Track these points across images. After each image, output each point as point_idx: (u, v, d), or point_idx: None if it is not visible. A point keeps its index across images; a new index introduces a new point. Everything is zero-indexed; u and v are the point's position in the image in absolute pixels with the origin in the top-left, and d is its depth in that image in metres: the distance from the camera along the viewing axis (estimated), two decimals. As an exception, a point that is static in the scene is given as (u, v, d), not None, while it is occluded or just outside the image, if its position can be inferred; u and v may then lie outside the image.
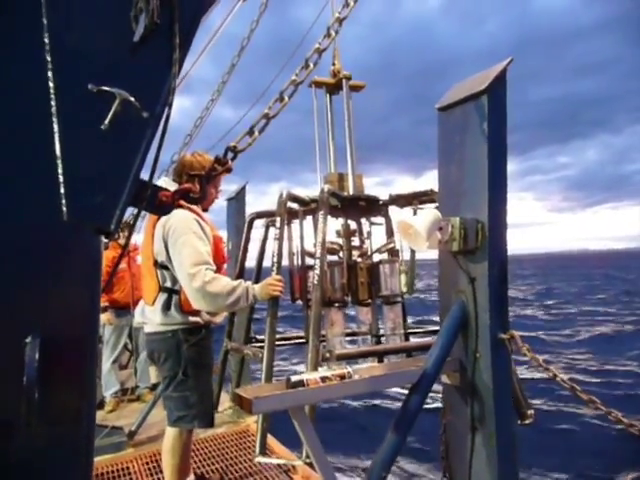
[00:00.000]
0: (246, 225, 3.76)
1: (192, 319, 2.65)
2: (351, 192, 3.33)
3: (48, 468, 1.21)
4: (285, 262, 3.13)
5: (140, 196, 1.34)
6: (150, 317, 2.67)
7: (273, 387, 1.94)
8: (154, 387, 4.87)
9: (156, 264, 2.63)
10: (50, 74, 1.16)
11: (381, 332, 3.40)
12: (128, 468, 3.61)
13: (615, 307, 24.45)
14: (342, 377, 1.94)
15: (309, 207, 3.15)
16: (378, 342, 3.39)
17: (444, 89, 2.31)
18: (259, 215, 3.74)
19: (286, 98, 1.94)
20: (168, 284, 2.63)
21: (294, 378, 1.89)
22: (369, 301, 3.20)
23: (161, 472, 3.45)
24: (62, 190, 1.17)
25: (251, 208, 3.97)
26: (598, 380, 10.72)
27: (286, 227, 3.10)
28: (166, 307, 2.60)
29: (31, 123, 1.19)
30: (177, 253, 2.51)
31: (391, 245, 3.35)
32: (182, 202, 2.38)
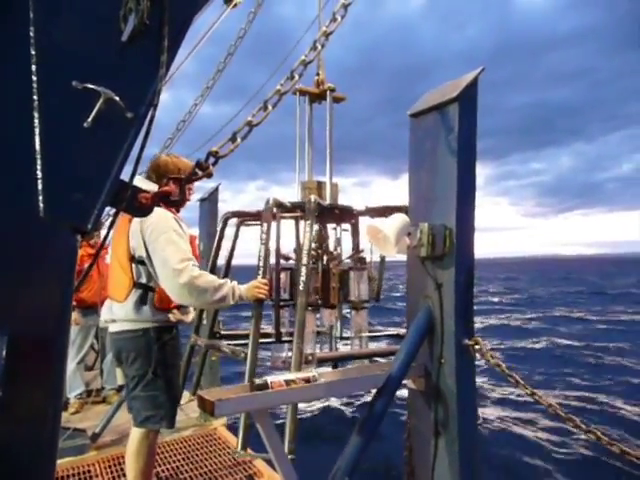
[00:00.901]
0: (220, 223, 3.76)
1: (164, 317, 2.63)
2: (328, 200, 3.42)
3: (9, 468, 1.18)
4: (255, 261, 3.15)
5: (119, 196, 1.32)
6: (119, 314, 2.61)
7: (237, 389, 1.92)
8: (120, 389, 4.78)
9: (132, 260, 2.59)
10: (34, 68, 1.13)
11: (345, 335, 3.51)
12: (90, 472, 3.54)
13: (586, 313, 25.04)
14: (307, 380, 1.93)
15: (292, 213, 3.23)
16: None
17: (425, 91, 2.32)
18: (234, 214, 3.74)
19: (270, 107, 1.96)
20: (143, 280, 2.60)
21: (258, 381, 1.88)
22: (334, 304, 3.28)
23: (124, 476, 3.38)
24: (40, 186, 1.14)
25: (227, 206, 3.98)
26: (563, 392, 10.97)
27: (263, 228, 3.12)
28: (140, 303, 2.57)
29: (11, 117, 1.15)
30: (159, 250, 2.49)
31: (361, 253, 3.42)
32: (161, 204, 2.42)
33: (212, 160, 1.81)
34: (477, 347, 2.02)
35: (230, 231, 3.74)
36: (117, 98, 1.18)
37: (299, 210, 3.12)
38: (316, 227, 3.36)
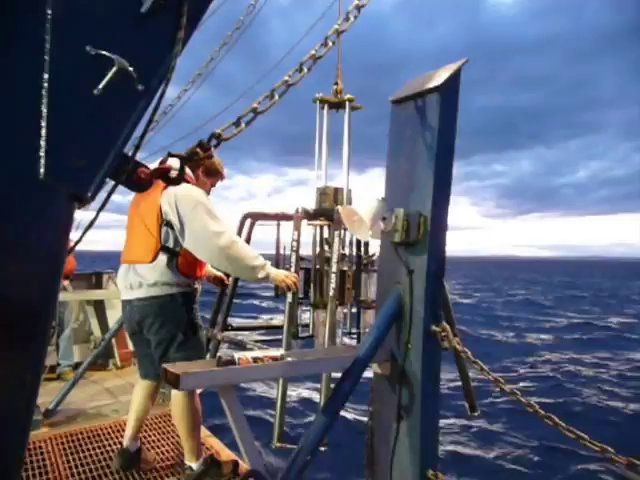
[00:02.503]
0: (239, 223, 4.03)
1: (187, 282, 2.72)
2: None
3: None
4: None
5: (121, 169, 1.30)
6: (149, 277, 2.65)
7: (204, 364, 1.91)
8: (77, 366, 4.68)
9: (162, 223, 2.65)
10: (48, 27, 1.08)
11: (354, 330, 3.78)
12: (41, 447, 3.44)
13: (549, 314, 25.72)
14: (275, 359, 1.93)
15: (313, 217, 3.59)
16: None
17: (393, 87, 2.35)
18: (251, 215, 4.04)
19: (276, 96, 1.96)
20: (170, 244, 2.66)
21: (225, 356, 1.86)
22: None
23: (77, 453, 3.32)
24: (43, 147, 1.09)
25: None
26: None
27: (294, 235, 3.48)
28: (168, 265, 2.65)
29: (21, 75, 1.11)
30: (197, 215, 2.58)
31: (373, 258, 3.69)
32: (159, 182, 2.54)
33: (214, 142, 1.81)
34: (444, 334, 2.04)
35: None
36: (130, 69, 1.15)
37: (322, 217, 3.50)
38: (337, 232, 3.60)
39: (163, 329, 2.65)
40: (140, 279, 2.66)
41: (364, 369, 2.08)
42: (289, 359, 1.96)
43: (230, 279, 3.64)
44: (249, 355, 1.91)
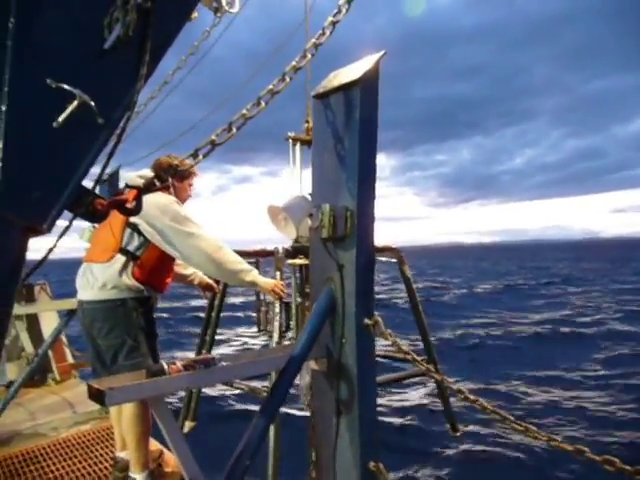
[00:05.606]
0: None
1: (140, 288, 2.62)
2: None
3: None
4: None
5: (79, 201, 1.28)
6: (101, 277, 2.56)
7: (132, 377, 1.84)
8: (9, 385, 4.45)
9: (126, 224, 2.57)
10: (8, 57, 1.06)
11: None
12: (-27, 474, 3.26)
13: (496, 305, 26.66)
14: (207, 364, 1.88)
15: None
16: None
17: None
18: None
19: (234, 129, 1.93)
20: (131, 247, 2.58)
21: (155, 366, 1.81)
22: None
23: (12, 477, 3.17)
24: None
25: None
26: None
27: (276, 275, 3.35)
28: (122, 268, 2.56)
29: None
30: (178, 222, 2.52)
31: None
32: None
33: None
34: (376, 327, 2.06)
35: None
36: (92, 103, 1.14)
37: (301, 255, 3.42)
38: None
39: (111, 334, 2.57)
40: (92, 280, 2.60)
41: (300, 367, 2.07)
42: (221, 364, 1.93)
43: (220, 286, 3.58)
44: (180, 363, 1.87)
